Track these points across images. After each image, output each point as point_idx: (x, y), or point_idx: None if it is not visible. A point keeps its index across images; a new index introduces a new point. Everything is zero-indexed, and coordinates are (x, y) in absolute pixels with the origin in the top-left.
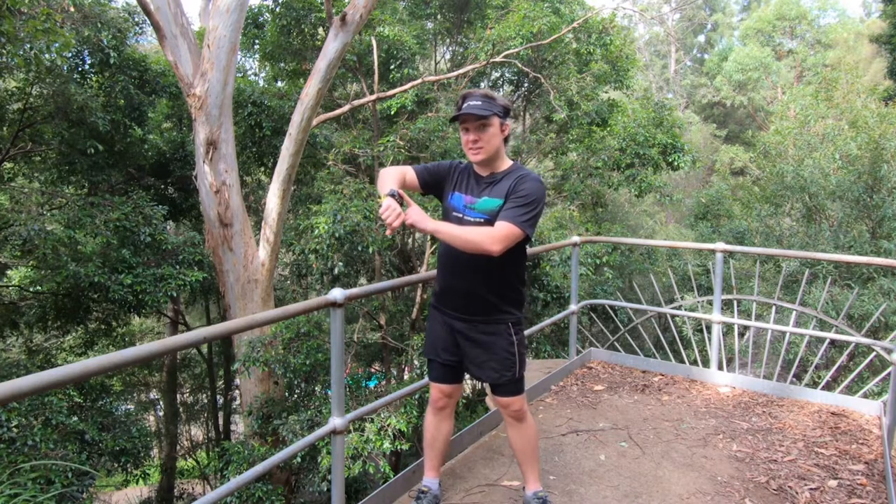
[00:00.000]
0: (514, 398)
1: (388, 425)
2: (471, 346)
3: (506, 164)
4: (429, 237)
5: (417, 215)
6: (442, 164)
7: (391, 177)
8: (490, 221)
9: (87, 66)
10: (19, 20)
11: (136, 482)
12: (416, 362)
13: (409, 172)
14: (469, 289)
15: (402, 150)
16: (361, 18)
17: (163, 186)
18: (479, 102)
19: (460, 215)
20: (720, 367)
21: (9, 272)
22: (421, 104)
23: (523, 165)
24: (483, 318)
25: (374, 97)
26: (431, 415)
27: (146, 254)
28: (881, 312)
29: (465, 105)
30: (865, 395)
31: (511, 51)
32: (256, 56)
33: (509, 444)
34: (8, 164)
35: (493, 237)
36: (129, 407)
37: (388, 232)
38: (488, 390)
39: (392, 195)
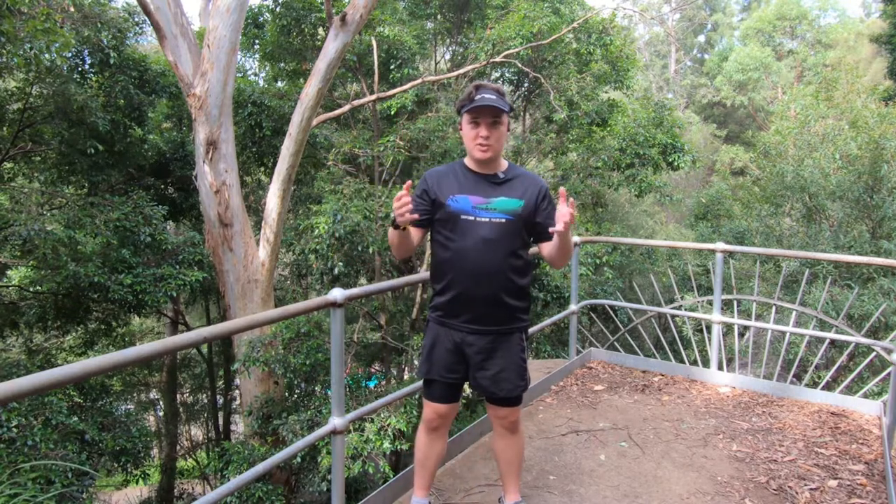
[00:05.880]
0: (517, 408)
1: (388, 425)
2: (484, 359)
3: (503, 162)
4: (428, 237)
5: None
6: (421, 189)
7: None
8: (512, 221)
9: (87, 66)
10: (19, 20)
11: (136, 482)
12: (415, 362)
13: (411, 236)
14: (493, 295)
15: (402, 151)
16: (361, 18)
17: (163, 186)
18: (495, 97)
19: (471, 217)
20: (720, 367)
21: (9, 272)
22: (421, 104)
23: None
24: (500, 328)
25: (374, 97)
26: (424, 434)
27: (146, 254)
28: (881, 312)
29: (479, 96)
30: (865, 395)
31: (511, 51)
32: (256, 56)
33: (495, 453)
34: (8, 164)
35: None
36: (129, 407)
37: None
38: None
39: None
